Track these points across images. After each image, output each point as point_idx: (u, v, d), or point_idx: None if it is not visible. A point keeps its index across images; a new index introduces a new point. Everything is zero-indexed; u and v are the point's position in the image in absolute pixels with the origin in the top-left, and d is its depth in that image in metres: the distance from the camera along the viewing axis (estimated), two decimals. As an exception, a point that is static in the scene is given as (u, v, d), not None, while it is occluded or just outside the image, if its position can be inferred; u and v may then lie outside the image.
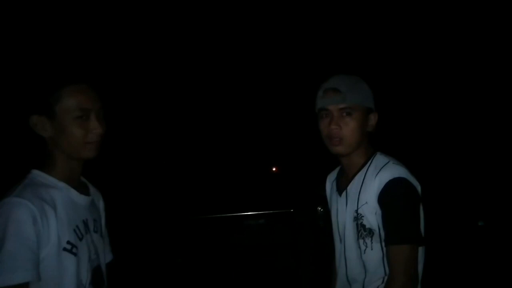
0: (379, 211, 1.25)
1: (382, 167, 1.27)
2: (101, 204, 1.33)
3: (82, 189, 1.20)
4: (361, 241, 1.29)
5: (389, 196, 1.23)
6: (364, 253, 1.28)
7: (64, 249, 1.07)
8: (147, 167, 7.59)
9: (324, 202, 1.55)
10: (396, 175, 1.24)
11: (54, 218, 1.05)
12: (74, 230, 1.10)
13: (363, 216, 1.28)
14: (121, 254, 1.45)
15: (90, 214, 1.19)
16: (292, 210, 5.01)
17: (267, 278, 4.24)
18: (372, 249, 1.27)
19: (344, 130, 1.28)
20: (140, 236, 4.42)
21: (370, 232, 1.27)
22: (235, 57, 7.34)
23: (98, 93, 1.16)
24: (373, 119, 1.34)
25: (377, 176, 1.26)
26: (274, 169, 11.77)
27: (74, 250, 1.09)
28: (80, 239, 1.12)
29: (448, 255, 4.07)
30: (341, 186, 1.40)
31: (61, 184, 1.13)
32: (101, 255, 1.23)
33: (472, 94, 6.69)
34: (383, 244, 1.25)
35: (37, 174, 1.12)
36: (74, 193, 1.14)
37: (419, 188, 1.28)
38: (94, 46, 5.26)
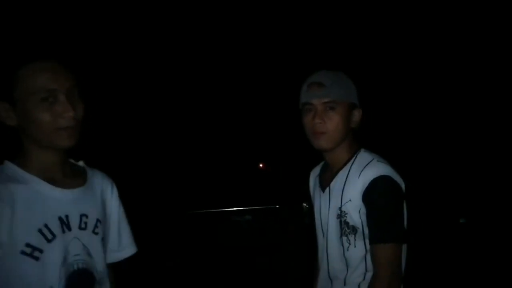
0: (363, 209, 1.24)
1: (367, 164, 1.27)
2: (108, 194, 1.15)
3: (69, 181, 1.05)
4: (344, 238, 1.28)
5: (374, 194, 1.22)
6: (347, 250, 1.28)
7: (23, 252, 0.94)
8: (134, 164, 7.52)
9: (309, 198, 1.54)
10: (381, 173, 1.23)
11: (9, 218, 0.92)
12: (40, 230, 0.96)
13: (346, 214, 1.27)
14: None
15: (74, 209, 1.03)
16: (277, 206, 5.03)
17: (253, 274, 4.24)
18: (355, 247, 1.26)
19: (328, 125, 1.27)
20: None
21: (354, 229, 1.26)
22: (222, 58, 7.34)
23: (69, 70, 1.02)
24: (357, 115, 1.33)
25: (361, 173, 1.25)
26: (261, 165, 11.80)
27: (36, 253, 0.95)
28: (49, 240, 0.97)
29: (430, 252, 4.13)
30: (325, 182, 1.39)
31: (30, 178, 1.00)
32: (95, 254, 1.06)
33: (454, 94, 6.80)
34: (366, 241, 1.25)
35: (7, 167, 1.01)
36: (46, 187, 1.00)
37: (403, 185, 1.27)
38: (83, 33, 5.08)
